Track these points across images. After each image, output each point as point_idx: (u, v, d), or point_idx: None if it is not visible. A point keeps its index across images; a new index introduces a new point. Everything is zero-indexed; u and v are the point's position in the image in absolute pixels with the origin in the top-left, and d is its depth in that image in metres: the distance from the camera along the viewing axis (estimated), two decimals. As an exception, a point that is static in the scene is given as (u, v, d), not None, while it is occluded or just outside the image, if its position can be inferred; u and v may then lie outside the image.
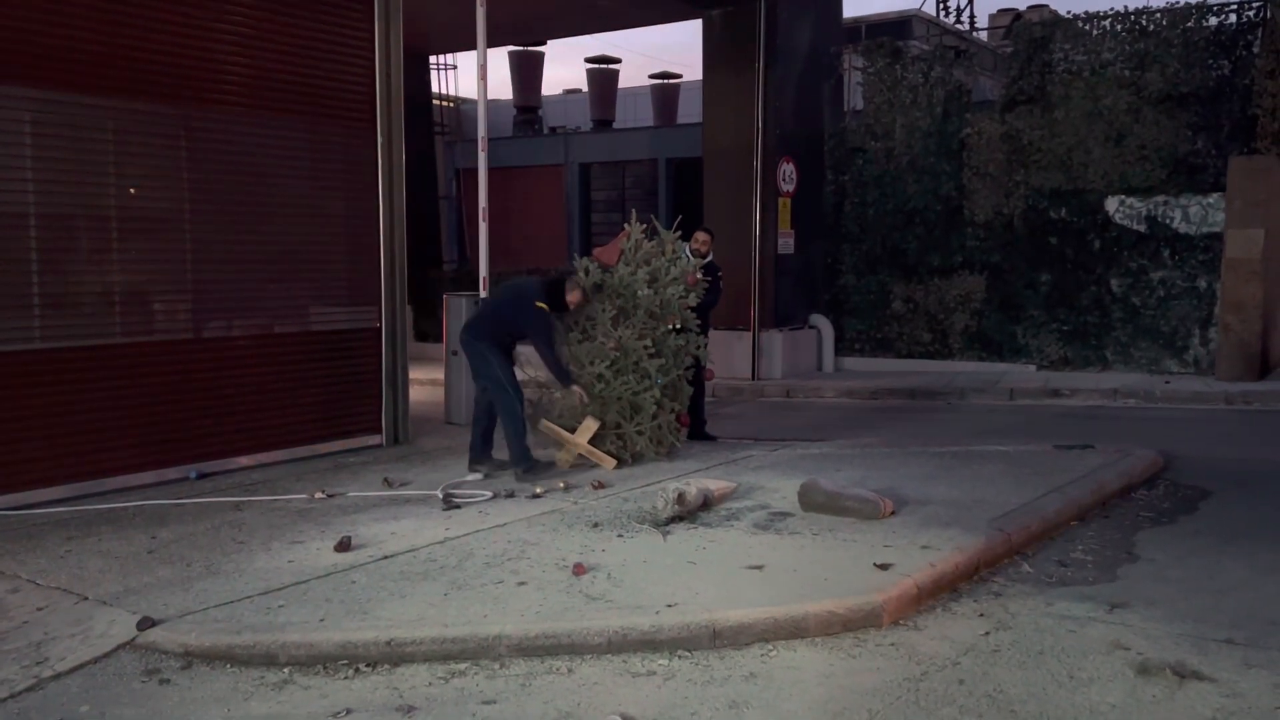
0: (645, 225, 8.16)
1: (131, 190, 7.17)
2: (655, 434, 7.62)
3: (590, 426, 7.26)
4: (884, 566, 4.88)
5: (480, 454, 7.37)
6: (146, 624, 4.38)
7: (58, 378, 6.75)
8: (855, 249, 14.77)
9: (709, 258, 8.62)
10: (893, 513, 5.89)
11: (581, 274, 7.73)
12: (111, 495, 6.84)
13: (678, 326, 7.78)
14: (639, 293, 7.65)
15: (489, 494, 6.68)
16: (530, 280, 7.69)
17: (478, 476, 7.15)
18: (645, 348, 7.46)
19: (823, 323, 14.47)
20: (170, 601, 4.68)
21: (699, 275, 8.11)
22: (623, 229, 8.22)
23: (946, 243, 14.12)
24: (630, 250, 7.92)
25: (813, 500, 6.00)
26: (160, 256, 7.37)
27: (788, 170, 13.74)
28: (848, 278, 14.77)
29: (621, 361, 7.38)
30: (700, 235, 8.65)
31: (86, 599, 4.79)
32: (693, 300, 7.89)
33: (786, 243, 13.83)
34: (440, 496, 6.60)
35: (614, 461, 7.30)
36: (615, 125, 21.30)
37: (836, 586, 4.63)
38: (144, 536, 5.85)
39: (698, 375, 8.50)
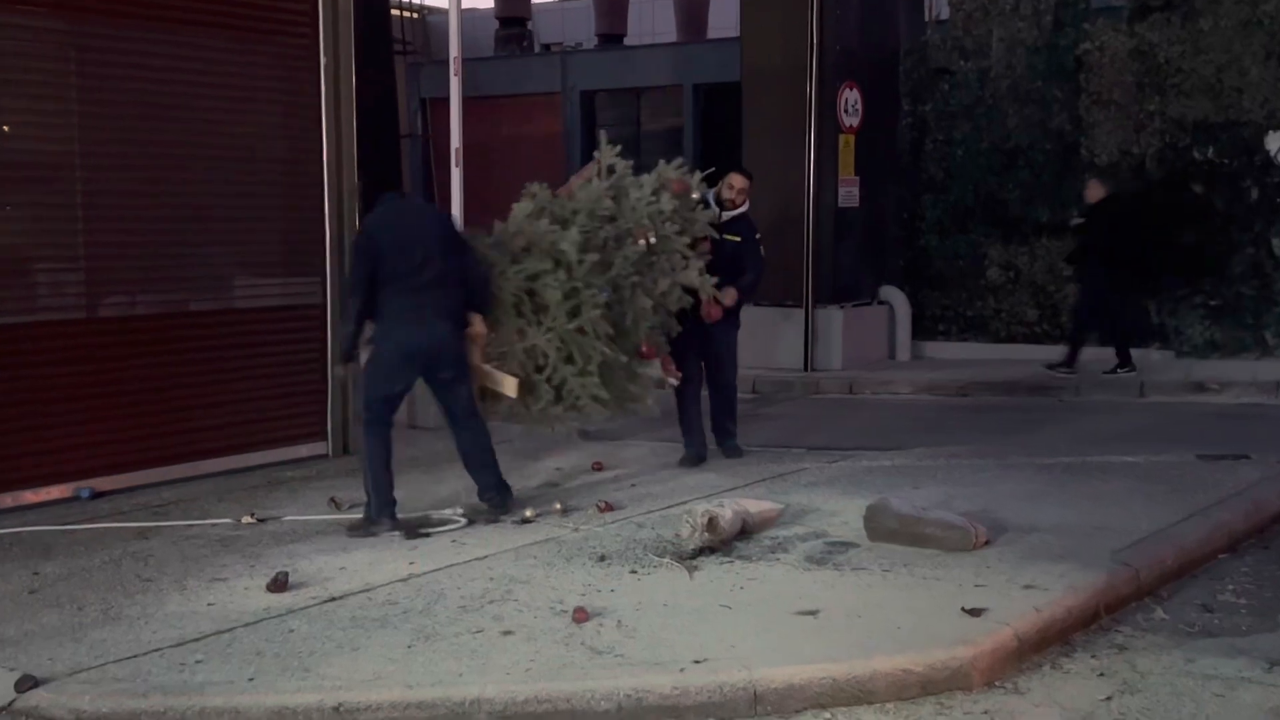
0: (618, 148, 7.87)
1: (4, 129, 7.21)
2: (605, 382, 7.12)
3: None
4: (975, 612, 4.89)
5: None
6: (27, 684, 4.41)
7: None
8: (939, 201, 14.72)
9: (743, 208, 8.32)
10: (987, 542, 5.89)
11: (528, 202, 7.48)
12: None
13: (651, 240, 7.46)
14: (562, 262, 7.02)
15: (463, 519, 6.72)
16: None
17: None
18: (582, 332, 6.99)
19: (896, 297, 14.45)
20: (58, 655, 4.72)
21: (720, 235, 7.96)
22: (593, 157, 7.97)
23: (1058, 192, 14.06)
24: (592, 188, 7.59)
25: (883, 526, 6.01)
26: (42, 214, 7.41)
27: (852, 99, 13.70)
28: (929, 238, 14.73)
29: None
30: (736, 180, 8.28)
31: (-48, 652, 4.84)
32: (693, 275, 7.67)
33: (850, 193, 13.80)
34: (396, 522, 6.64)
35: (515, 380, 6.93)
36: (627, 41, 21.25)
37: (913, 638, 4.64)
38: (23, 572, 5.89)
39: (710, 351, 8.43)
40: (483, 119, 15.99)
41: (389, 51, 19.92)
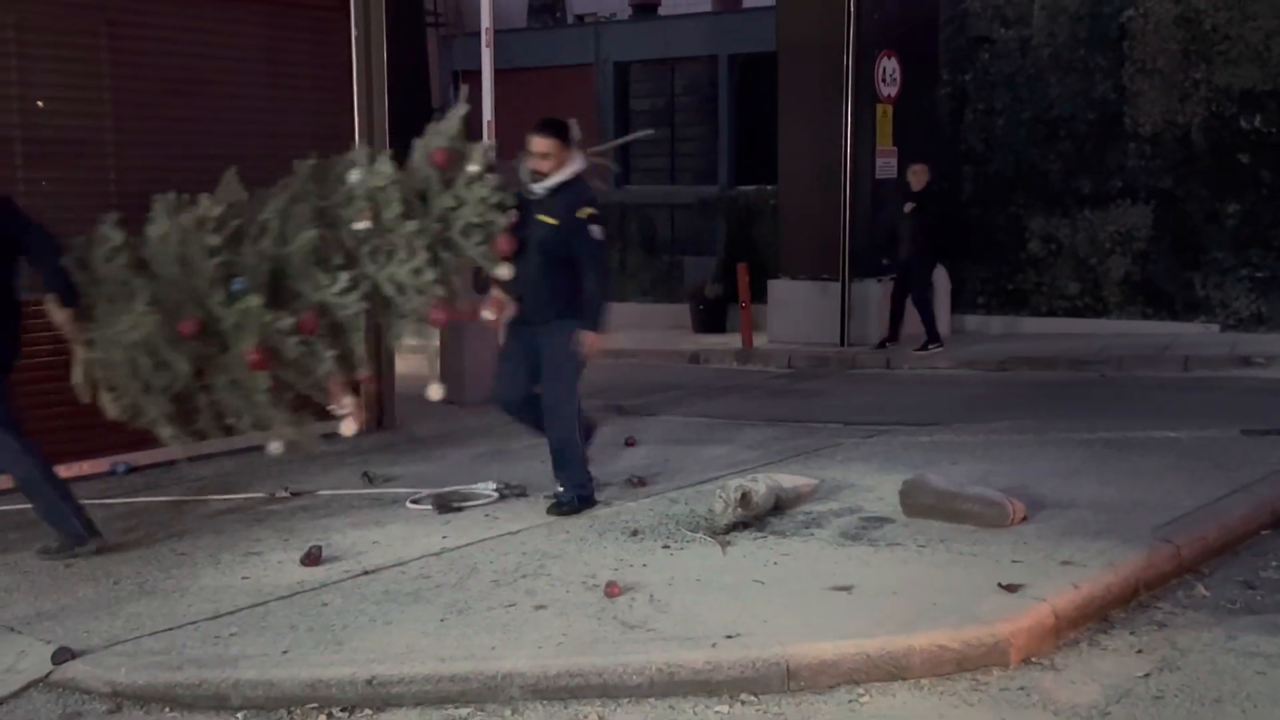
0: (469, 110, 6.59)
1: (39, 104, 7.27)
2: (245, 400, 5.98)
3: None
4: (1012, 588, 4.87)
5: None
6: (64, 656, 4.50)
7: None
8: (979, 172, 14.62)
9: (560, 177, 6.24)
10: (1024, 518, 5.87)
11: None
12: (16, 494, 7.00)
13: (365, 225, 6.16)
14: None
15: (495, 493, 6.76)
16: None
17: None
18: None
19: (935, 270, 14.34)
20: (94, 628, 4.80)
21: (532, 218, 6.24)
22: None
23: (1101, 163, 13.92)
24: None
25: (919, 502, 5.99)
26: (76, 190, 7.47)
27: (889, 68, 13.60)
28: (969, 210, 14.62)
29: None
30: (536, 142, 6.23)
31: (-10, 624, 4.94)
32: (401, 271, 6.16)
33: (887, 164, 13.73)
34: (429, 497, 6.69)
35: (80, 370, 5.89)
36: (661, 12, 21.10)
37: (949, 613, 4.63)
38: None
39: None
40: (515, 91, 15.94)
41: (421, 23, 19.91)
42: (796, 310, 13.59)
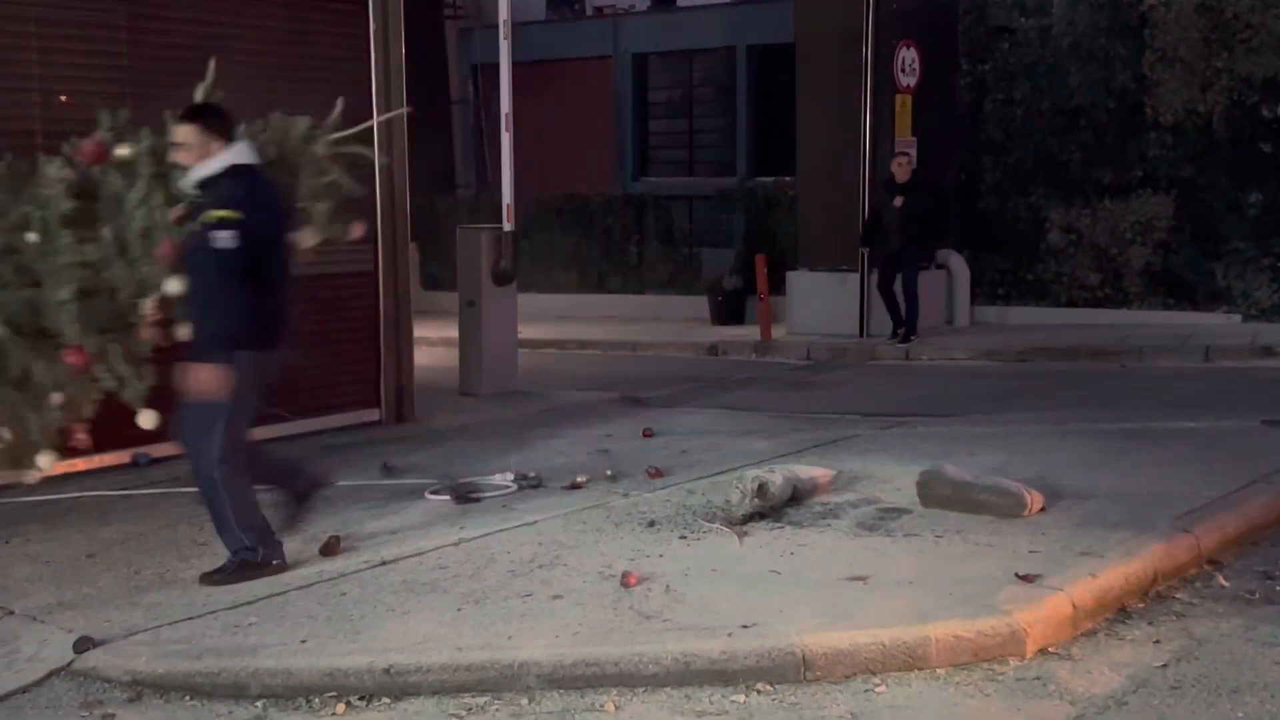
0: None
1: (62, 99, 7.31)
2: None
3: None
4: (1029, 578, 4.86)
5: None
6: (85, 645, 4.54)
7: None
8: (998, 162, 14.55)
9: (210, 169, 5.28)
10: (1042, 509, 5.85)
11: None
12: (38, 485, 7.05)
13: None
14: None
15: (512, 484, 6.78)
16: None
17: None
18: None
19: (954, 261, 14.33)
20: (114, 618, 4.84)
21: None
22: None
23: (1121, 152, 13.84)
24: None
25: (936, 493, 5.99)
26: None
27: (908, 58, 13.55)
28: (988, 200, 14.57)
29: None
30: (178, 131, 5.39)
31: (11, 613, 4.98)
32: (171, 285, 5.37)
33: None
34: (445, 487, 6.72)
35: None
36: (680, 3, 21.09)
37: (965, 603, 4.63)
38: (81, 537, 6.05)
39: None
40: (534, 84, 15.98)
41: (439, 16, 19.94)
42: (815, 302, 13.57)
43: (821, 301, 13.46)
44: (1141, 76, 13.69)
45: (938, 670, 4.33)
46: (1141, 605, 4.96)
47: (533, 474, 6.96)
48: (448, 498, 6.57)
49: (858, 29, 13.16)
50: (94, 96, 7.42)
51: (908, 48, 13.52)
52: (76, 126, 7.35)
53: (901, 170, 12.62)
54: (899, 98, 13.52)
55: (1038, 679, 4.27)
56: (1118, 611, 4.87)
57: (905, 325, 12.71)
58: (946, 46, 14.37)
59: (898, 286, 12.69)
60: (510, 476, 6.92)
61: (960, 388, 10.75)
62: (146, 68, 7.63)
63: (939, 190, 12.96)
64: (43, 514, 6.51)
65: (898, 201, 12.52)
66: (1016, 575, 4.90)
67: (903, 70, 13.52)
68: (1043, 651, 4.48)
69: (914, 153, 13.26)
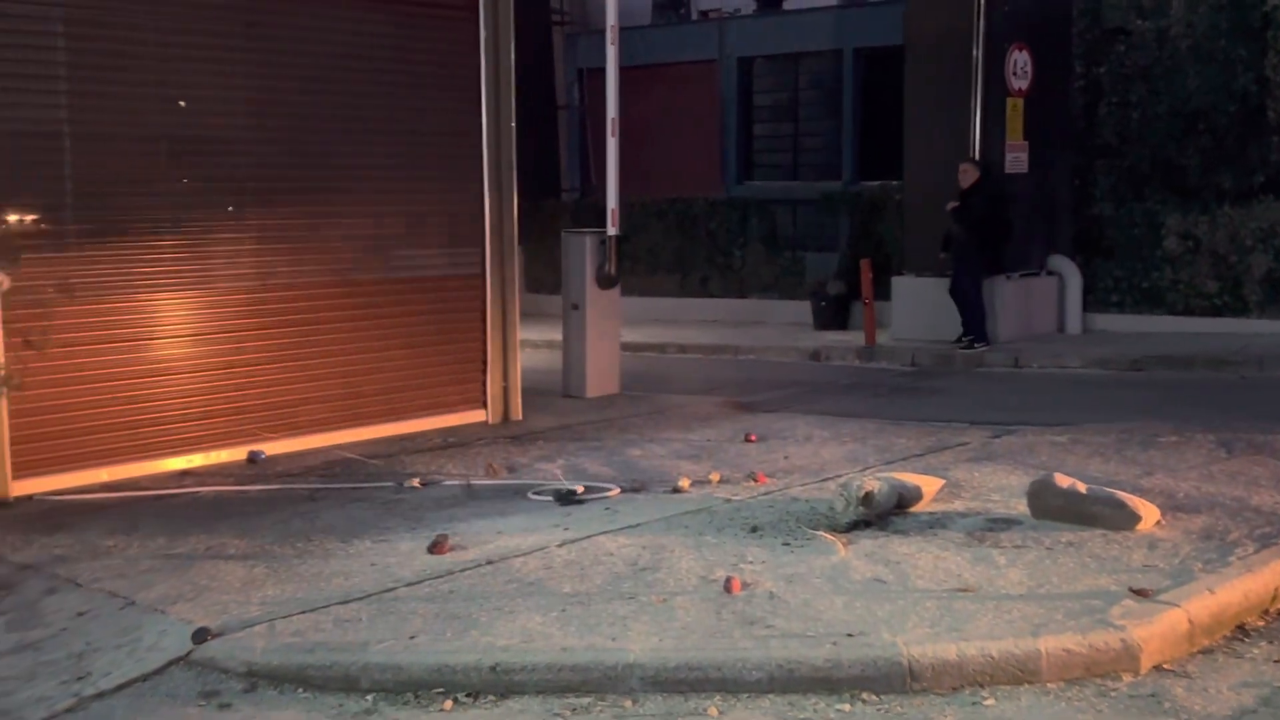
0: None
1: (181, 104, 7.56)
2: None
3: None
4: (1143, 593, 4.76)
5: None
6: (203, 636, 4.68)
7: (96, 335, 7.23)
8: (1113, 167, 14.23)
9: None
10: (1158, 522, 5.73)
11: None
12: (159, 480, 7.30)
13: None
14: None
15: (614, 487, 6.82)
16: None
17: None
18: None
19: (1066, 267, 14.06)
20: (231, 610, 4.98)
21: None
22: None
23: (1242, 156, 13.45)
24: None
25: (1047, 504, 5.88)
26: (216, 188, 7.76)
27: (1020, 61, 13.34)
28: (1102, 206, 14.26)
29: None
30: None
31: (133, 604, 5.15)
32: None
33: (1018, 159, 13.47)
34: (550, 489, 6.78)
35: None
36: (786, 6, 20.99)
37: (1077, 617, 4.55)
38: (199, 531, 6.23)
39: None
40: (638, 88, 16.05)
41: (547, 21, 20.13)
42: (921, 307, 13.40)
43: (927, 307, 13.28)
44: (1264, 79, 13.29)
45: (1048, 685, 4.26)
46: (1262, 623, 4.83)
47: (635, 478, 6.99)
48: (551, 499, 6.63)
49: (968, 31, 12.98)
50: (214, 104, 7.69)
51: (1020, 50, 13.31)
52: (200, 132, 7.66)
53: (963, 177, 12.57)
54: (1010, 101, 13.31)
55: (1153, 696, 4.18)
56: (1236, 629, 4.75)
57: (971, 331, 12.64)
58: (1060, 49, 14.10)
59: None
60: (613, 480, 6.95)
61: (1071, 396, 10.54)
62: (263, 74, 7.85)
63: (997, 199, 12.74)
64: (163, 509, 6.73)
65: (950, 206, 12.55)
66: (1131, 590, 4.80)
67: (1014, 73, 13.30)
68: (1158, 669, 4.38)
69: (965, 164, 12.93)
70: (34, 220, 7.03)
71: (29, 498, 6.90)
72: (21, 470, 6.91)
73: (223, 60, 7.68)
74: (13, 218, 6.92)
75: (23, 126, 6.93)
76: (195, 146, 7.64)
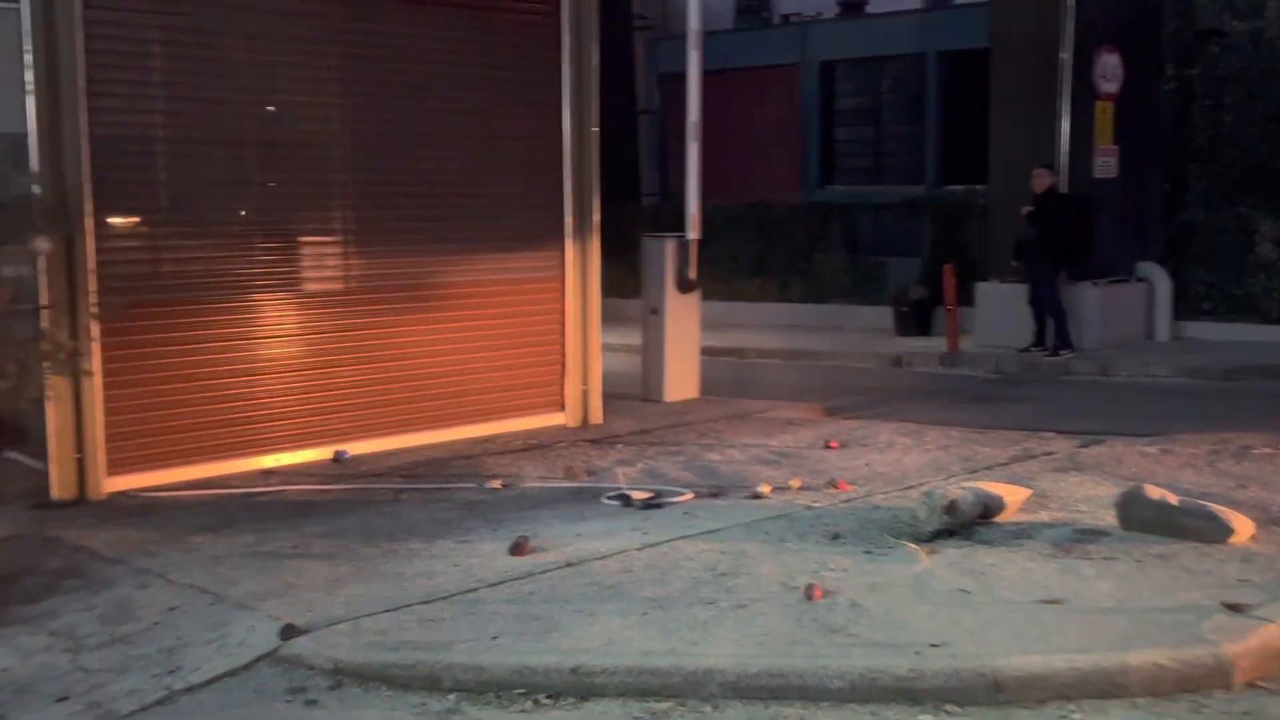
0: None
1: (270, 109, 7.71)
2: None
3: None
4: (1237, 608, 4.65)
5: None
6: (290, 633, 4.76)
7: (187, 335, 7.39)
8: (1205, 172, 13.95)
9: None
10: (1252, 536, 5.60)
11: None
12: (247, 478, 7.44)
13: None
14: None
15: (689, 492, 6.82)
16: None
17: None
18: None
19: (1156, 273, 13.80)
20: (316, 607, 5.06)
21: None
22: None
23: (1342, 161, 13.08)
24: None
25: (1137, 515, 5.78)
26: (303, 192, 7.90)
27: (1109, 63, 13.11)
28: (1194, 212, 13.97)
29: None
30: None
31: (222, 600, 5.25)
32: None
33: (1106, 163, 13.25)
34: (630, 491, 6.80)
35: None
36: (868, 10, 20.84)
37: (1168, 631, 4.46)
38: (286, 529, 6.34)
39: None
40: (719, 92, 16.03)
41: (629, 25, 20.19)
42: (1005, 314, 13.21)
43: (1012, 314, 13.09)
44: (1365, 81, 12.94)
45: (1138, 700, 4.17)
46: (1363, 642, 4.68)
47: (714, 483, 6.98)
48: (631, 503, 6.65)
49: (1055, 34, 12.80)
50: (303, 110, 7.83)
51: (1109, 53, 13.08)
52: (289, 137, 7.81)
53: (1036, 182, 12.45)
54: (1099, 104, 13.09)
55: (1247, 714, 4.07)
56: (1336, 647, 4.61)
57: (1057, 338, 12.51)
58: (1150, 51, 13.84)
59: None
60: (689, 485, 6.95)
61: (1161, 405, 10.33)
62: (352, 80, 7.97)
63: (1074, 204, 12.55)
64: (251, 506, 6.86)
65: (1024, 211, 12.47)
66: (1224, 604, 4.69)
67: (1103, 76, 13.08)
68: (1252, 685, 4.27)
69: (1039, 170, 12.69)
70: (128, 222, 7.22)
71: (121, 494, 7.08)
72: (114, 468, 7.09)
73: (310, 67, 7.82)
74: (111, 219, 7.10)
75: (120, 131, 7.10)
76: (284, 151, 7.79)
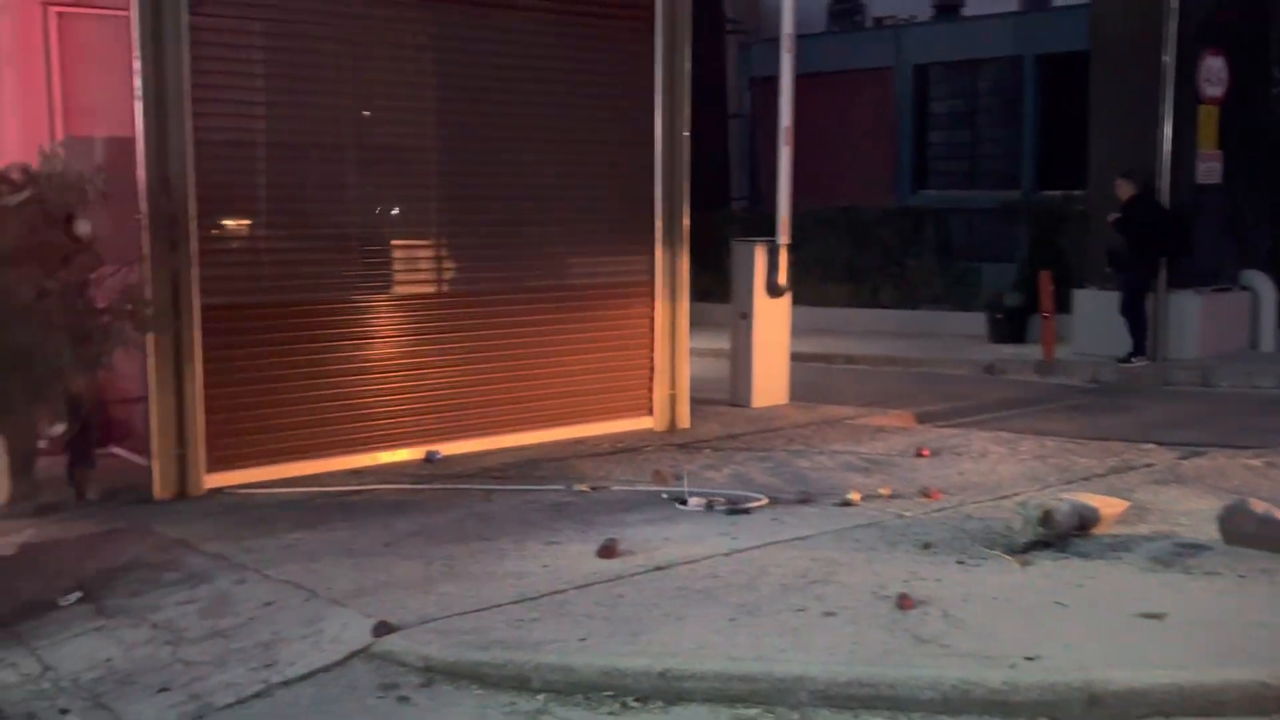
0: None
1: (365, 113, 7.84)
2: None
3: None
4: (1346, 627, 4.51)
5: None
6: (383, 630, 4.84)
7: (285, 335, 7.54)
8: (1314, 177, 13.51)
9: None
10: (1362, 553, 5.42)
11: None
12: (341, 477, 7.58)
13: None
14: None
15: (763, 498, 6.81)
16: None
17: None
18: None
19: (1262, 282, 13.44)
20: (409, 605, 5.13)
21: None
22: None
23: None
24: None
25: (1240, 529, 5.64)
26: (399, 195, 8.03)
27: (1214, 67, 12.80)
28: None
29: None
30: None
31: (317, 596, 5.35)
32: None
33: (1211, 169, 12.93)
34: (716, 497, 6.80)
35: None
36: (964, 12, 20.60)
37: (1271, 649, 4.36)
38: (379, 527, 6.45)
39: None
40: (810, 97, 15.94)
41: (721, 28, 20.20)
42: (1103, 322, 12.95)
43: (1110, 322, 12.83)
44: None
45: (1239, 719, 4.08)
46: None
47: (802, 489, 6.96)
48: (719, 507, 6.64)
49: (1157, 36, 12.51)
50: (399, 114, 7.96)
51: (1213, 55, 12.76)
52: (386, 141, 7.94)
53: (1119, 191, 12.32)
54: (1202, 109, 12.78)
55: (1355, 737, 3.96)
56: None
57: (1132, 344, 12.35)
58: (1257, 54, 13.48)
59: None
60: (765, 492, 6.92)
61: (1266, 418, 10.05)
62: (445, 84, 8.08)
63: (1166, 211, 12.30)
64: (345, 505, 6.98)
65: (1110, 219, 12.36)
66: (1332, 623, 4.56)
67: (1208, 80, 12.77)
68: (1360, 708, 4.15)
69: (1122, 179, 12.46)
70: (230, 224, 7.40)
71: (219, 490, 7.24)
72: (214, 465, 7.26)
73: (407, 72, 7.94)
74: (214, 222, 7.28)
75: (223, 136, 7.28)
76: (380, 155, 7.91)
